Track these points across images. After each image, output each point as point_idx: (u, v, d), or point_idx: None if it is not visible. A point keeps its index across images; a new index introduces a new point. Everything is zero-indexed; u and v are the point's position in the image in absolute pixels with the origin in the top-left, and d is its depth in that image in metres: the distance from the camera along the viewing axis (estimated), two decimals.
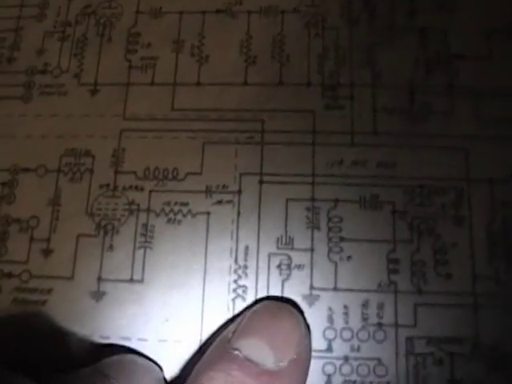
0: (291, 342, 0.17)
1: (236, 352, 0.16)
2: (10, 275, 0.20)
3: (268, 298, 0.19)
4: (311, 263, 0.19)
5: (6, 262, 0.20)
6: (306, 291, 0.19)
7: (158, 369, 0.18)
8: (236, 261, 0.19)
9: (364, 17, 0.22)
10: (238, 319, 0.18)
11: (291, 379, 0.16)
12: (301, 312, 0.18)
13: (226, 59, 0.22)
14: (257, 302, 0.19)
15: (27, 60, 0.23)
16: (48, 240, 0.20)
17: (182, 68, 0.22)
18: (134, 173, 0.21)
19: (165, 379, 0.18)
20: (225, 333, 0.17)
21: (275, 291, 0.19)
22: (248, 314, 0.18)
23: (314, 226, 0.20)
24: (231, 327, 0.17)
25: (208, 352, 0.17)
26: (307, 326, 0.18)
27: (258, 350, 0.16)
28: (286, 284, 0.19)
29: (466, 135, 0.20)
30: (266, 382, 0.15)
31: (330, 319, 0.19)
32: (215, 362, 0.16)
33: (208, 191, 0.20)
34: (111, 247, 0.20)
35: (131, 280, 0.20)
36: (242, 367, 0.16)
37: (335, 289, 0.19)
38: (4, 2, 0.23)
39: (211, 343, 0.17)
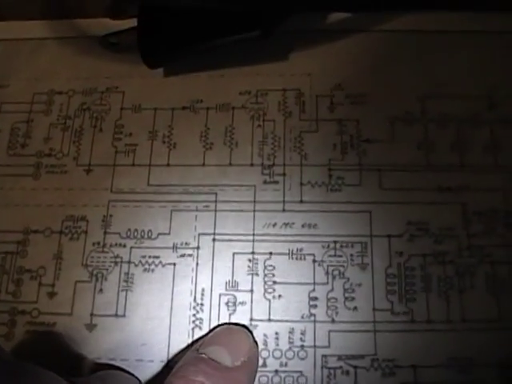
0: (243, 349, 0.21)
1: (203, 355, 0.20)
2: (23, 312, 0.23)
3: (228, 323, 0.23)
4: (251, 301, 0.23)
5: (20, 302, 0.24)
6: (247, 322, 0.23)
7: (136, 380, 0.22)
8: (195, 299, 0.23)
9: (295, 111, 0.26)
10: (203, 338, 0.22)
11: (243, 374, 0.20)
12: (250, 332, 0.22)
13: (189, 145, 0.26)
14: (217, 326, 0.23)
15: (36, 146, 0.26)
16: (53, 285, 0.24)
17: (155, 152, 0.26)
18: (119, 233, 0.24)
19: None
20: (194, 346, 0.21)
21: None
22: (212, 332, 0.22)
23: (253, 272, 0.23)
24: (199, 342, 0.21)
25: (181, 359, 0.21)
26: (255, 341, 0.22)
27: (220, 353, 0.20)
28: (232, 317, 0.23)
29: (370, 202, 0.24)
30: (225, 373, 0.19)
31: (265, 343, 0.23)
32: (187, 362, 0.20)
33: (174, 247, 0.24)
34: (101, 290, 0.24)
35: (116, 315, 0.23)
36: (208, 364, 0.20)
37: (269, 320, 0.23)
38: (19, 99, 0.27)
39: (176, 361, 0.21)
